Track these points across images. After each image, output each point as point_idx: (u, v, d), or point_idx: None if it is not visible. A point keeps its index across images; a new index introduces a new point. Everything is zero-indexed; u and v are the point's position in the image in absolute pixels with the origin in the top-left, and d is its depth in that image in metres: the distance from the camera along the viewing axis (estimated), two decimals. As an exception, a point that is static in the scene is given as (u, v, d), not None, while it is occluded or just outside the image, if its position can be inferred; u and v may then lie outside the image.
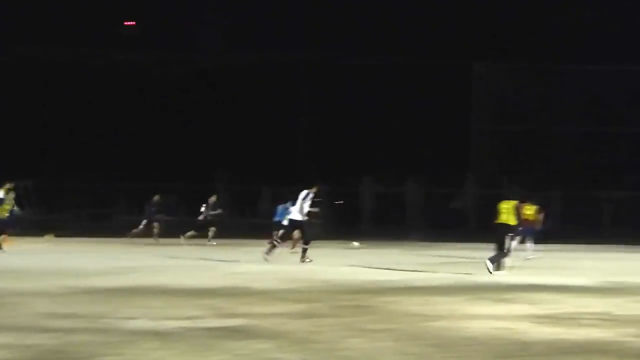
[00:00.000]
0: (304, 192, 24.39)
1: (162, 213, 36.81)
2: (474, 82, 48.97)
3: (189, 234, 34.21)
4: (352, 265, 23.05)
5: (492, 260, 19.72)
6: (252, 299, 14.26)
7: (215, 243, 33.79)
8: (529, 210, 27.51)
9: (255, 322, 11.32)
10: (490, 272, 19.41)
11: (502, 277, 19.21)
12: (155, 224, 35.71)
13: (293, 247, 28.10)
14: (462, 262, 25.12)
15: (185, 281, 17.53)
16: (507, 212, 20.00)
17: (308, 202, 24.20)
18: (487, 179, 46.52)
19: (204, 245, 33.22)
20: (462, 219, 46.96)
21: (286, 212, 31.24)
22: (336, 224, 41.24)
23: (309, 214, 24.38)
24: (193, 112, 49.42)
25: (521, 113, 48.54)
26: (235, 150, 47.65)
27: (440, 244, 38.13)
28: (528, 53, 47.34)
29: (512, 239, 20.98)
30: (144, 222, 35.64)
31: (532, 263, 25.03)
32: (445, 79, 46.41)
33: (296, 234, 26.91)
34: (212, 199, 35.51)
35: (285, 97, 49.78)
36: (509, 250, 20.27)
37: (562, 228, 41.69)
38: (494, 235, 20.23)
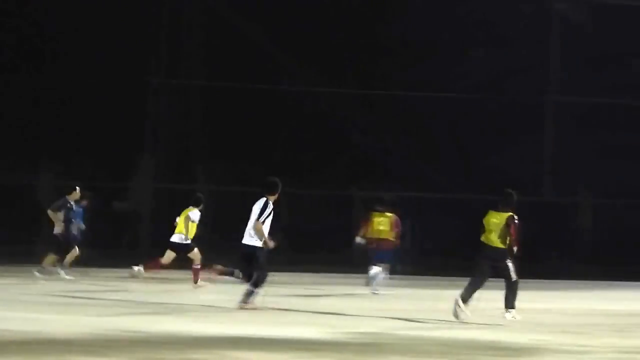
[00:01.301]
0: (260, 202, 15.71)
1: None
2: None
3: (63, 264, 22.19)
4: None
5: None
6: None
7: (70, 277, 22.18)
8: (382, 222, 20.63)
9: None
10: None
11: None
12: None
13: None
14: (122, 300, 17.43)
15: None
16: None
17: (269, 218, 15.50)
18: (171, 168, 35.52)
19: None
20: (127, 228, 35.87)
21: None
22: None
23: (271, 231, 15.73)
24: None
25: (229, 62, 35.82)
26: None
27: (104, 270, 25.27)
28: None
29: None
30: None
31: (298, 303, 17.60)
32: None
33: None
34: (76, 195, 22.70)
35: None
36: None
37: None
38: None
